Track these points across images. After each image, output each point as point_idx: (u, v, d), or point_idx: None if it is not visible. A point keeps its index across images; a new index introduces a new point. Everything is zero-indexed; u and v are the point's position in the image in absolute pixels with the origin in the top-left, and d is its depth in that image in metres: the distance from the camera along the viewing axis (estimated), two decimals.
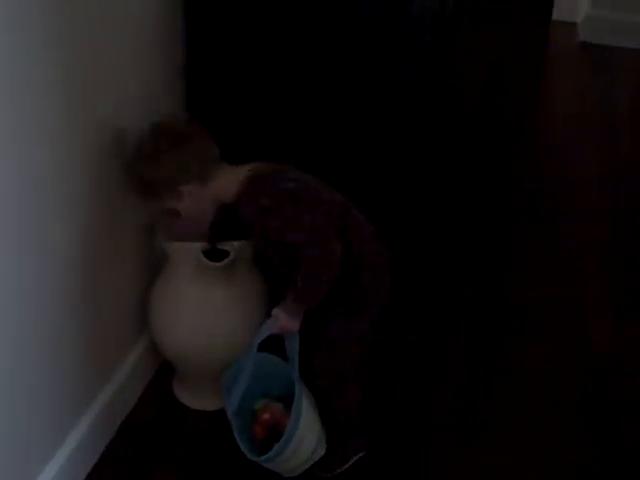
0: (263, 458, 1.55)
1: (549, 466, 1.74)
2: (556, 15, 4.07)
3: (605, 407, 1.90)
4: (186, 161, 1.52)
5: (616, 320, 2.16)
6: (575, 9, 3.96)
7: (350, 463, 1.69)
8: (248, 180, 1.51)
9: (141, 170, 1.55)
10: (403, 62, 1.83)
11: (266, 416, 1.63)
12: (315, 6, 1.69)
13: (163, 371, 1.87)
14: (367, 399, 1.69)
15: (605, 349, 2.06)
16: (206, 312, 1.68)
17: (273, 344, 1.57)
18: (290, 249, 1.47)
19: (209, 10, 1.77)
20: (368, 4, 1.71)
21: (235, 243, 1.62)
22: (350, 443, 1.69)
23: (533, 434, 1.81)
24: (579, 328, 2.13)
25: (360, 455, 1.70)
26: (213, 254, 1.64)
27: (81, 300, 1.55)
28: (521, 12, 4.13)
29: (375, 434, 1.74)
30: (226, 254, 1.62)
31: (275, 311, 1.51)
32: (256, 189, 1.50)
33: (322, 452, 1.61)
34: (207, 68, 1.82)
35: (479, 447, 1.77)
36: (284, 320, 1.50)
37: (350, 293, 1.56)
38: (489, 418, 1.85)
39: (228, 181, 1.53)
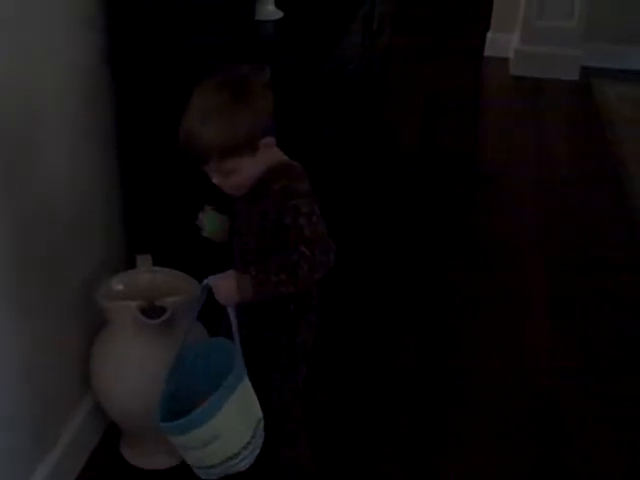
0: (163, 425, 1.37)
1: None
2: (488, 51, 4.21)
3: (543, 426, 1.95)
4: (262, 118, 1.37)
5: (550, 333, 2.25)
6: (506, 45, 4.10)
7: None
8: (288, 162, 1.44)
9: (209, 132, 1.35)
10: (323, 113, 1.86)
11: None
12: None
13: (111, 432, 1.85)
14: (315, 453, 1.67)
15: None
16: (148, 370, 1.66)
17: None
18: (283, 239, 1.38)
19: None
20: (290, 54, 1.75)
21: (173, 299, 1.62)
22: None
23: (477, 452, 1.87)
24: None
25: None
26: (152, 311, 1.64)
27: (21, 364, 1.54)
28: (455, 50, 4.26)
29: None
30: (165, 311, 1.62)
31: (230, 272, 1.39)
32: (296, 173, 1.43)
33: (249, 462, 1.42)
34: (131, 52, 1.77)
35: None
36: (233, 287, 1.36)
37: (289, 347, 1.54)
38: (438, 444, 1.89)
39: (273, 152, 1.43)
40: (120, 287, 1.73)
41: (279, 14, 1.98)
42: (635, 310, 2.37)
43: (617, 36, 3.94)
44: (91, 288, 1.70)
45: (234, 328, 1.38)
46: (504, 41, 4.11)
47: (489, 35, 4.19)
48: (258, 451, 1.42)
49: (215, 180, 1.40)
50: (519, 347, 2.21)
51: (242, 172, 1.38)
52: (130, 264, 1.82)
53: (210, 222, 1.53)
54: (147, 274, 1.76)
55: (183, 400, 1.42)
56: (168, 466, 1.76)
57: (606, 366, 2.14)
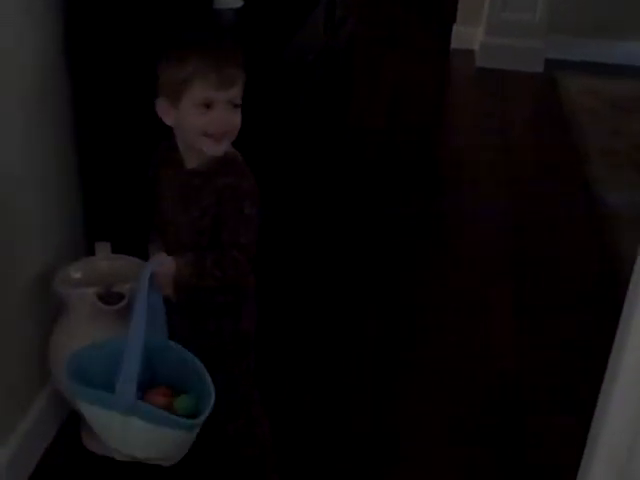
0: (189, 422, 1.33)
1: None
2: (455, 44, 4.24)
3: (508, 427, 1.95)
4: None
5: (518, 335, 2.25)
6: (472, 38, 4.13)
7: None
8: (234, 152, 1.46)
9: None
10: (287, 99, 1.88)
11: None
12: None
13: (71, 420, 1.85)
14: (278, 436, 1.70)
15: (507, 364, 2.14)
16: None
17: None
18: (215, 237, 1.43)
19: None
20: (249, 42, 1.76)
21: (130, 286, 1.63)
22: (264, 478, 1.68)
23: (438, 452, 1.86)
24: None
25: None
26: (110, 298, 1.64)
27: None
28: (421, 41, 4.29)
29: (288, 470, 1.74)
30: (122, 297, 1.63)
31: (170, 260, 1.41)
32: (243, 167, 1.46)
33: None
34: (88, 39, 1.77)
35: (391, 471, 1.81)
36: (171, 267, 1.40)
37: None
38: (400, 439, 1.89)
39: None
40: (78, 275, 1.73)
41: (239, 3, 1.98)
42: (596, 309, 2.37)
43: (580, 28, 3.99)
44: (50, 276, 1.70)
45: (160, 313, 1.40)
46: (470, 33, 4.14)
47: (455, 27, 4.22)
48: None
49: (226, 113, 1.39)
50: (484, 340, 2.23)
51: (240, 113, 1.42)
52: (89, 252, 1.82)
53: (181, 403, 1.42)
54: (106, 261, 1.76)
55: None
56: None
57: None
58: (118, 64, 1.77)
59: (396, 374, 2.08)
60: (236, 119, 1.42)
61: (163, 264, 1.41)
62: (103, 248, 1.78)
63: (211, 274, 1.42)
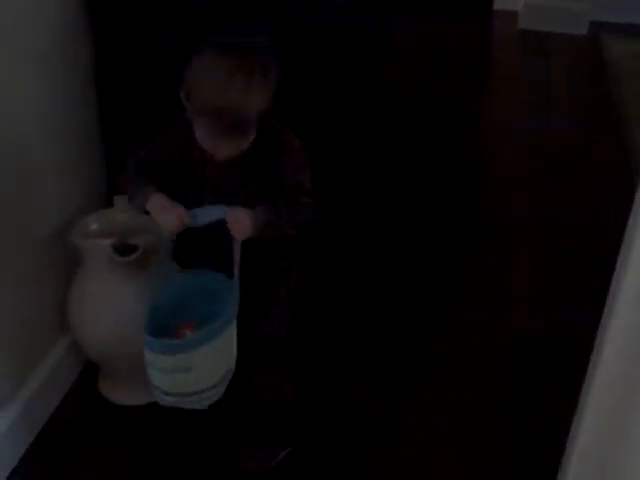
0: (148, 338, 1.34)
1: (461, 468, 1.71)
2: (498, 4, 4.14)
3: (523, 408, 1.87)
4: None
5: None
6: None
7: (279, 459, 1.69)
8: (278, 123, 1.46)
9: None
10: (312, 71, 1.82)
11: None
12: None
13: (89, 370, 1.87)
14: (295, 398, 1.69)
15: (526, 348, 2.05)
16: (123, 307, 1.68)
17: None
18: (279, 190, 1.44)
19: None
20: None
21: (145, 237, 1.63)
22: (279, 439, 1.69)
23: (451, 434, 1.79)
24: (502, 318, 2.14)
25: (288, 451, 1.70)
26: (125, 249, 1.64)
27: None
28: (463, 2, 4.19)
29: (300, 432, 1.74)
30: (137, 249, 1.63)
31: (241, 208, 1.39)
32: (288, 130, 1.46)
33: (203, 405, 1.43)
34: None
35: (400, 447, 1.75)
36: (248, 220, 1.37)
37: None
38: (410, 417, 1.83)
39: None
40: (95, 226, 1.74)
41: None
42: None
43: None
44: (69, 227, 1.71)
45: (237, 266, 1.38)
46: None
47: None
48: (216, 398, 1.42)
49: (227, 144, 1.36)
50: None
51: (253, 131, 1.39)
52: (109, 205, 1.83)
53: None
54: (123, 214, 1.76)
55: (165, 313, 1.41)
56: (147, 402, 1.76)
57: None
58: (141, 21, 1.75)
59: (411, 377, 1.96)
60: (245, 144, 1.37)
61: (237, 214, 1.38)
62: (122, 201, 1.78)
63: (286, 220, 1.42)
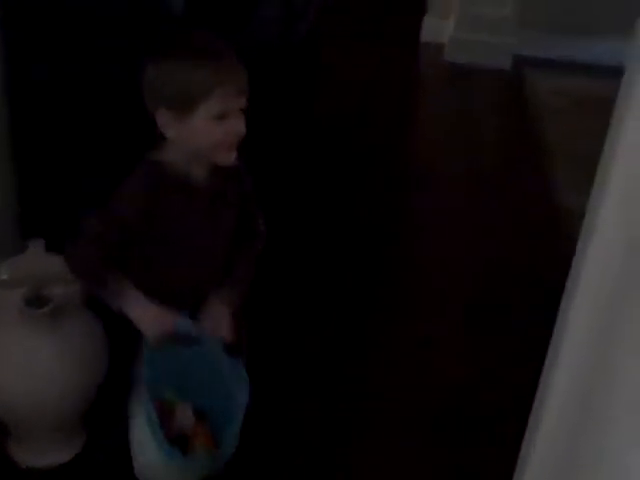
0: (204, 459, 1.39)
1: None
2: (426, 37, 4.18)
3: (460, 425, 1.90)
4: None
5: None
6: (441, 31, 4.07)
7: None
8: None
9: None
10: None
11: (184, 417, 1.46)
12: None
13: None
14: None
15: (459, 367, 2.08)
16: (35, 363, 1.59)
17: None
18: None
19: None
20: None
21: (59, 290, 1.55)
22: None
23: (389, 452, 1.80)
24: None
25: None
26: (38, 301, 1.56)
27: None
28: (390, 34, 4.22)
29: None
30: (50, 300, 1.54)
31: (224, 310, 1.41)
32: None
33: None
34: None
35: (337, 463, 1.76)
36: (228, 318, 1.41)
37: None
38: (349, 435, 1.83)
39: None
40: (7, 274, 1.64)
41: None
42: None
43: (550, 25, 3.93)
44: None
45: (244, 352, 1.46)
46: (440, 27, 4.08)
47: (425, 20, 4.15)
48: None
49: (238, 122, 1.34)
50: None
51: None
52: (22, 250, 1.73)
53: None
54: (38, 260, 1.67)
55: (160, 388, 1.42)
56: (59, 462, 1.67)
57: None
58: (55, 52, 1.68)
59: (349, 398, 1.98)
60: (244, 125, 1.36)
61: (218, 323, 1.40)
62: (36, 246, 1.69)
63: (250, 272, 1.49)
